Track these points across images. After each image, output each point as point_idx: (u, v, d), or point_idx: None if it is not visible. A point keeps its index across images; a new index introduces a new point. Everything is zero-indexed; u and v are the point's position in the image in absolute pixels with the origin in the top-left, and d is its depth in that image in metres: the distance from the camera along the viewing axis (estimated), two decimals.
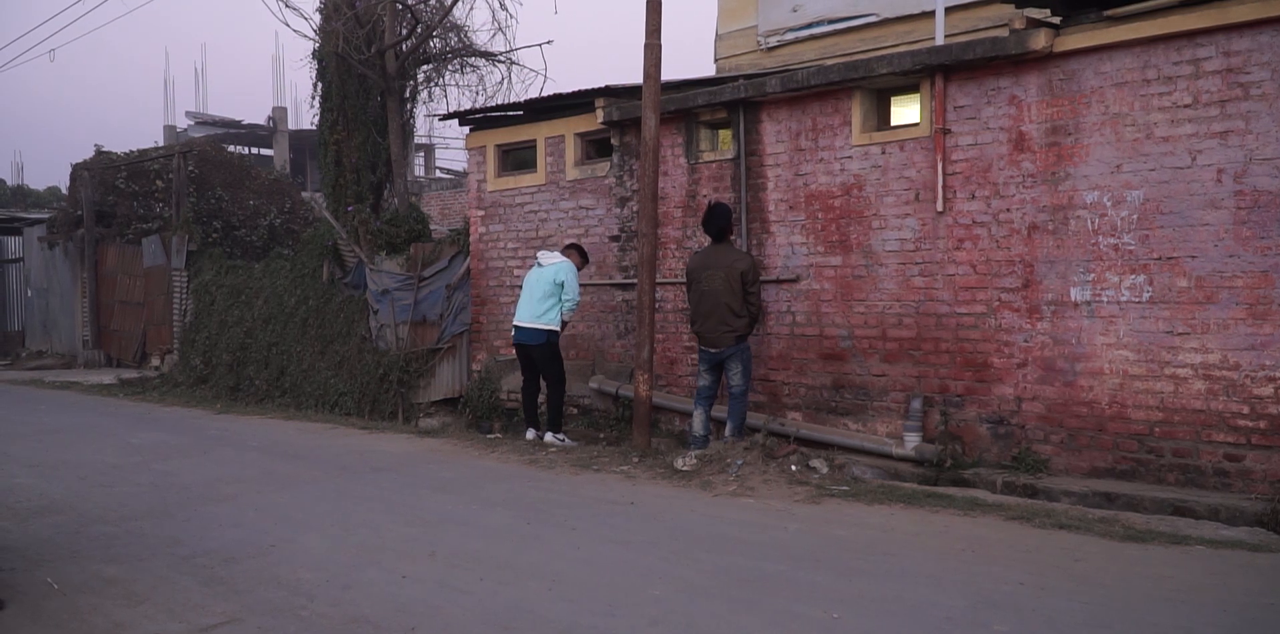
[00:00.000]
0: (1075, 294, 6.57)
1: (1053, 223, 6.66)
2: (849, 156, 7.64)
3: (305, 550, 5.19)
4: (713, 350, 7.56)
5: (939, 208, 7.11)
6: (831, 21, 11.17)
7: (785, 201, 8.01)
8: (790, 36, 11.57)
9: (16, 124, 75.38)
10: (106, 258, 18.06)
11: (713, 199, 8.15)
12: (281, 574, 4.75)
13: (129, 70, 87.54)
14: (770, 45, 11.74)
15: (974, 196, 7.00)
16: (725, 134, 8.66)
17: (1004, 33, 6.83)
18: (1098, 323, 6.48)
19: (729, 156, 8.39)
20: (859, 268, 7.58)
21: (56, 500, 6.50)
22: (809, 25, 11.42)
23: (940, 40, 8.85)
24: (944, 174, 7.09)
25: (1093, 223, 6.49)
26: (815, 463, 6.89)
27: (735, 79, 8.70)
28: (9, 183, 43.08)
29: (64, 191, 23.13)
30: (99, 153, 19.06)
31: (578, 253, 8.92)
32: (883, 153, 7.45)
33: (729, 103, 8.26)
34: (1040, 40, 6.51)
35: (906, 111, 7.70)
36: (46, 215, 21.70)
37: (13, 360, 19.96)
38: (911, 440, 7.08)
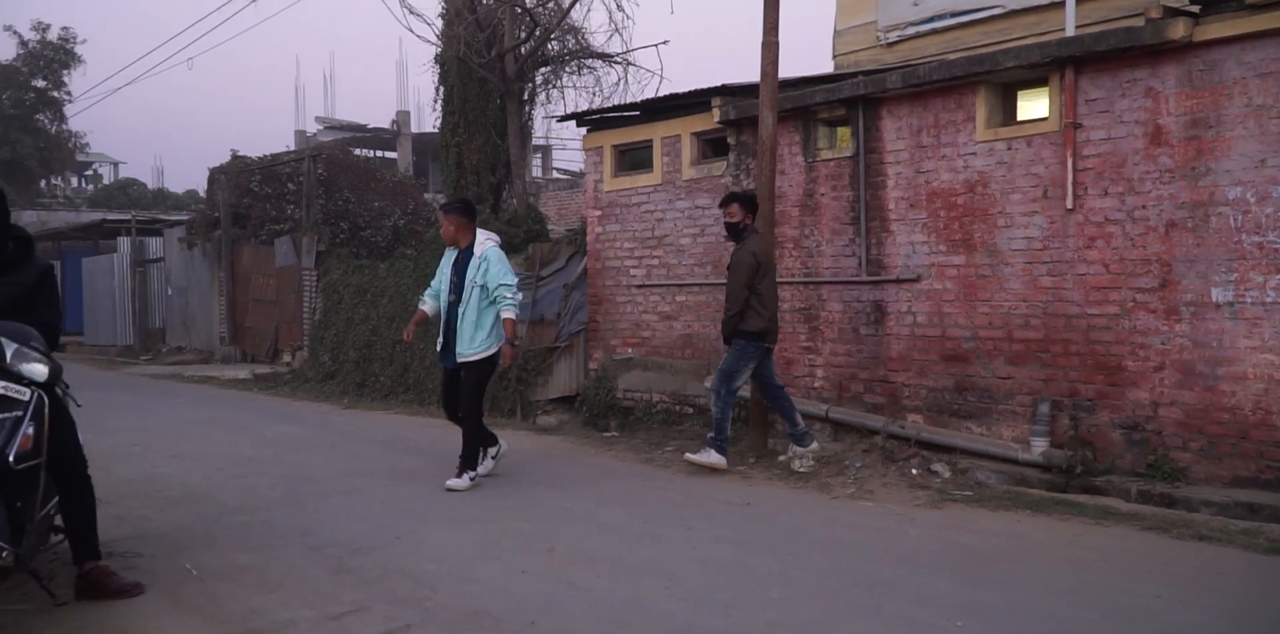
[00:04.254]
0: (1216, 295, 6.27)
1: (1192, 220, 6.37)
2: (973, 153, 7.45)
3: (427, 543, 5.30)
4: (769, 345, 7.24)
5: (1069, 205, 6.88)
6: (954, 14, 10.91)
7: (906, 199, 7.86)
8: (911, 31, 11.35)
9: (157, 130, 79.24)
10: (241, 257, 18.80)
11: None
12: (406, 565, 4.86)
13: (262, 77, 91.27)
14: (890, 40, 11.53)
15: (1106, 193, 6.75)
16: (844, 132, 8.54)
17: (1139, 22, 6.56)
18: (1241, 325, 6.18)
19: (847, 154, 8.27)
20: (983, 267, 7.39)
21: (195, 490, 6.77)
22: (930, 19, 11.18)
23: (1071, 31, 8.57)
24: (1074, 170, 6.85)
25: (1235, 220, 6.19)
26: (937, 467, 6.74)
27: (854, 76, 8.58)
28: (150, 186, 45.33)
29: (202, 194, 24.15)
30: (234, 157, 19.85)
31: (473, 216, 7.14)
32: (1009, 149, 7.24)
33: (848, 100, 8.14)
34: (1178, 30, 6.23)
35: (1034, 106, 7.46)
36: (185, 217, 22.68)
37: (154, 355, 20.95)
38: (1039, 445, 6.86)
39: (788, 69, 8.03)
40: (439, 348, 7.04)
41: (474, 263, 6.84)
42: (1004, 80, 7.34)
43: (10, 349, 3.97)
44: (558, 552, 5.10)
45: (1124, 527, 5.46)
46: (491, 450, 7.07)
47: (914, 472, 6.72)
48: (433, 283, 7.19)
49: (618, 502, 6.29)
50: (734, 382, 7.14)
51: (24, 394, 3.96)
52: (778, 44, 7.77)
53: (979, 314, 7.41)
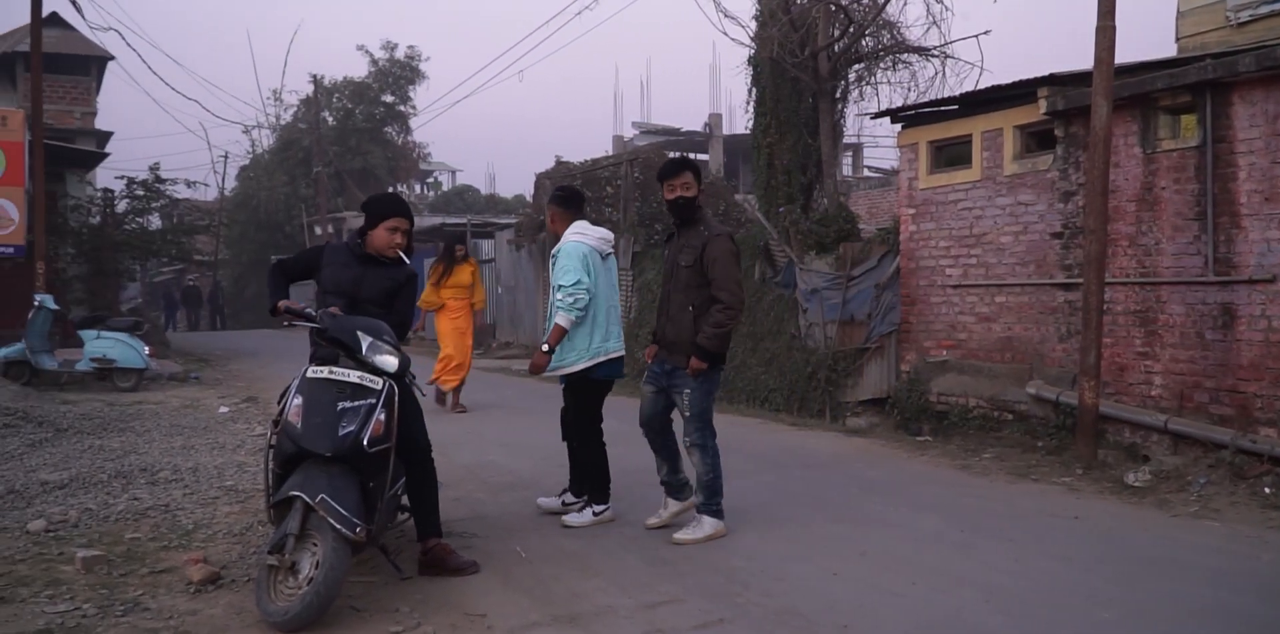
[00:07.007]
0: None
1: None
2: None
3: (738, 539, 5.40)
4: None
5: None
6: None
7: (1260, 192, 7.11)
8: (1265, 9, 10.22)
9: (489, 139, 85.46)
10: None
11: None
12: (717, 560, 4.99)
13: (584, 86, 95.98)
14: (1242, 20, 10.44)
15: None
16: (1188, 120, 7.84)
17: None
18: None
19: (1192, 144, 7.59)
20: None
21: (523, 476, 7.25)
22: None
23: None
24: None
25: None
26: None
27: (1201, 59, 7.86)
28: (483, 192, 48.83)
29: (528, 199, 25.72)
30: (558, 163, 21.01)
31: (571, 206, 6.10)
32: None
33: (1193, 85, 7.46)
34: None
35: None
36: (514, 220, 24.24)
37: (485, 350, 22.55)
38: None
39: (1123, 54, 7.52)
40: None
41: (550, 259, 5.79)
42: None
43: (365, 342, 4.43)
44: (870, 556, 5.05)
45: None
46: (597, 508, 5.82)
47: (1267, 491, 6.09)
48: None
49: (933, 508, 6.13)
50: (712, 423, 5.68)
51: (376, 383, 4.40)
52: (1114, 28, 7.30)
53: None
